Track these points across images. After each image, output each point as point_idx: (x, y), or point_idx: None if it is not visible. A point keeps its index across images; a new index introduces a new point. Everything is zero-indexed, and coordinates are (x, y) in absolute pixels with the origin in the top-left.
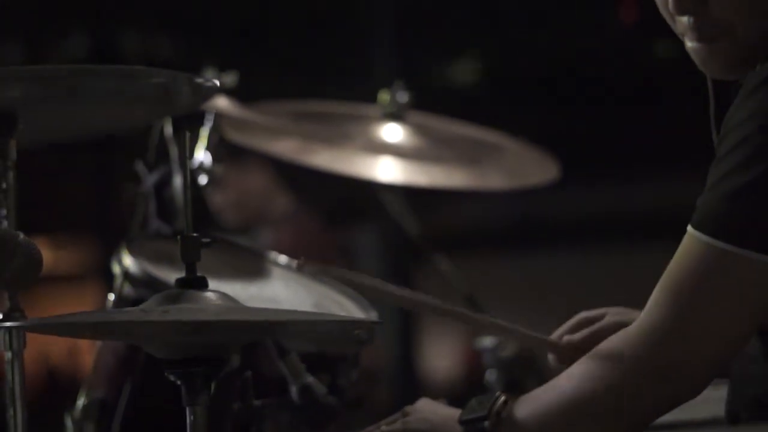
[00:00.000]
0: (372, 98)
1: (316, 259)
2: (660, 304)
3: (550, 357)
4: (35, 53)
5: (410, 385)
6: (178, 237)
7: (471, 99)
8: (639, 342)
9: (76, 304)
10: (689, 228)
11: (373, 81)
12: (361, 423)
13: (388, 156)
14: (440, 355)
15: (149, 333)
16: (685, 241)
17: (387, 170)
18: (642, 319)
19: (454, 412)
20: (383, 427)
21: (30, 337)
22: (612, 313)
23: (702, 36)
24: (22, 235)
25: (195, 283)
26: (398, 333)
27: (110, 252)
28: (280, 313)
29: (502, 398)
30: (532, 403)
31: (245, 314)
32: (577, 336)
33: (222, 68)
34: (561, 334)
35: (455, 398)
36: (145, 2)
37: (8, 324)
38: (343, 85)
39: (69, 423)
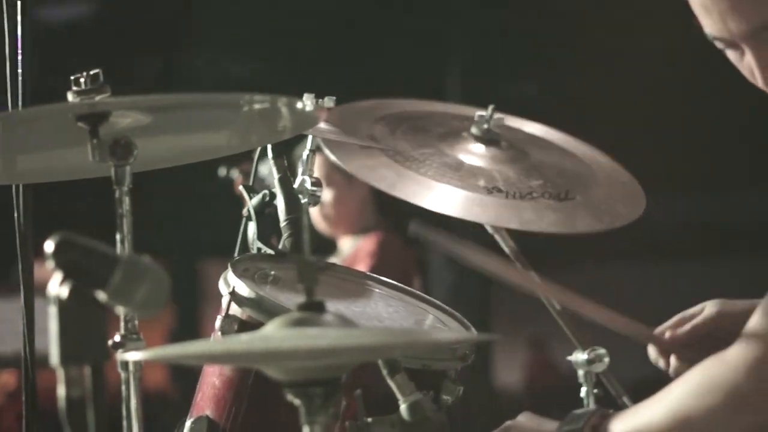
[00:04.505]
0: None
1: (395, 273)
2: (758, 329)
3: (650, 350)
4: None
5: (486, 398)
6: (298, 260)
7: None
8: (735, 368)
9: None
10: None
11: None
12: None
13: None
14: (514, 367)
15: (270, 359)
16: None
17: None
18: (741, 343)
19: (555, 427)
20: None
21: None
22: (710, 305)
23: None
24: (149, 259)
25: (315, 307)
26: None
27: None
28: (400, 334)
29: (599, 412)
30: (629, 419)
31: (367, 338)
32: (681, 330)
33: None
34: (662, 330)
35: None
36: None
37: (131, 357)
38: None
39: None
